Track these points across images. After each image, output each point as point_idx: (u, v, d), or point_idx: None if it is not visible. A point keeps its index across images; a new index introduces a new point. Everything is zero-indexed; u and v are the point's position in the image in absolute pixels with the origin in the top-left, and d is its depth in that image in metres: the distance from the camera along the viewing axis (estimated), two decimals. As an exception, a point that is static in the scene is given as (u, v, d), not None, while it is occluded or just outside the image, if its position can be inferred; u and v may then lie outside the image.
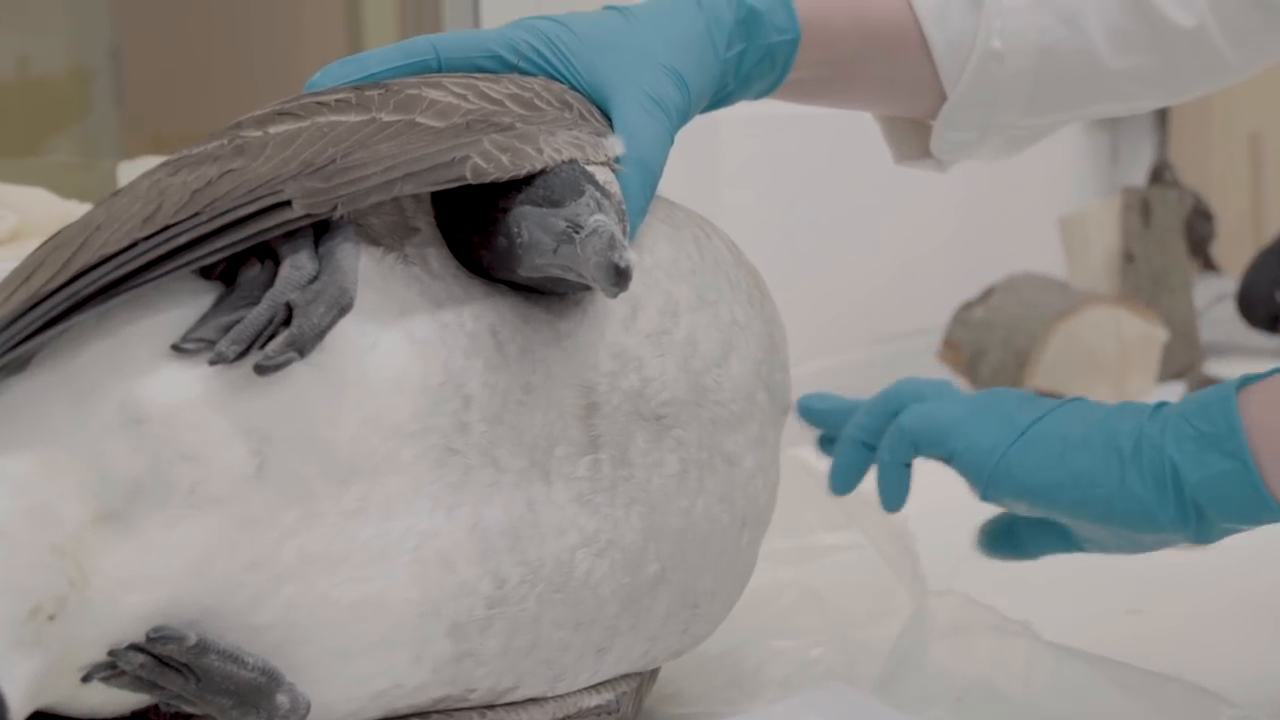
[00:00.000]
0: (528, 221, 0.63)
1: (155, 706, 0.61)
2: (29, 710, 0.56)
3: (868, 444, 0.78)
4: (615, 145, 0.70)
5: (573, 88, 0.72)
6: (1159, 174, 1.85)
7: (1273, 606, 0.94)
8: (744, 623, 0.89)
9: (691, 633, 0.76)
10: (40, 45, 2.54)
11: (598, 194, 0.64)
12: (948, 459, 0.75)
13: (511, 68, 0.72)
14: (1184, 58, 0.84)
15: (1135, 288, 1.72)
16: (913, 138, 0.88)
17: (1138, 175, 2.06)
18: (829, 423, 0.83)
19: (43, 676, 0.55)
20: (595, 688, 0.73)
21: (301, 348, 0.55)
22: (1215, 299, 1.81)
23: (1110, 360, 1.55)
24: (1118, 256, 1.74)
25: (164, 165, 0.61)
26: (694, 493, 0.72)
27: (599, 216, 0.62)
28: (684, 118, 0.74)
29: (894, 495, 0.79)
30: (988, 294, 1.61)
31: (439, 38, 0.72)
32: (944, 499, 0.78)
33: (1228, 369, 1.72)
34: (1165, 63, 0.84)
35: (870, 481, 0.82)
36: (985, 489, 0.73)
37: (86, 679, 0.57)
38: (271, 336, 0.56)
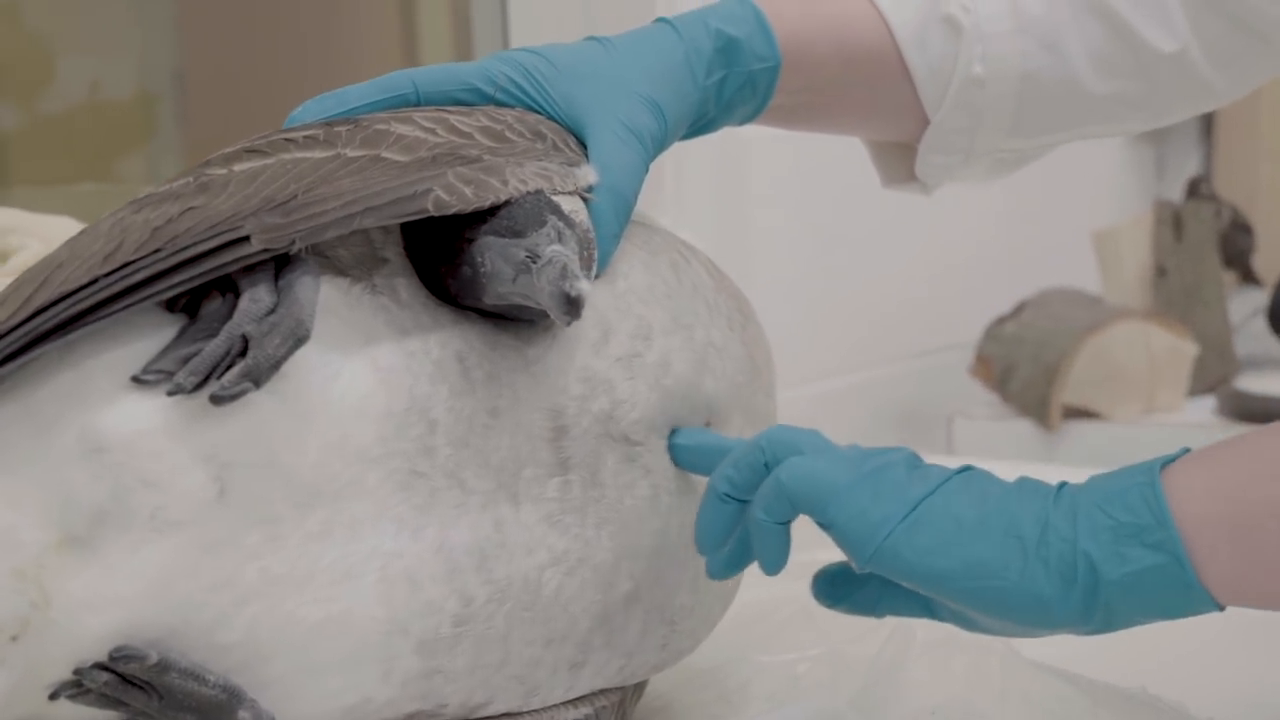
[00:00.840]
0: (490, 252, 0.65)
1: (126, 722, 0.63)
2: (0, 723, 0.58)
3: (736, 498, 0.70)
4: (588, 174, 0.72)
5: (550, 118, 0.74)
6: (1195, 188, 1.84)
7: (1255, 624, 0.95)
8: (734, 638, 0.91)
9: (671, 648, 0.78)
10: (110, 70, 2.60)
11: (560, 224, 0.65)
12: (826, 526, 0.67)
13: (489, 100, 0.74)
14: (1167, 82, 0.85)
15: (1168, 302, 1.72)
16: (899, 161, 0.89)
17: (1181, 188, 2.05)
18: (698, 463, 0.74)
19: (8, 694, 0.58)
20: (573, 702, 0.75)
21: (257, 378, 0.58)
22: (1252, 313, 1.81)
23: (1140, 375, 1.56)
24: (1151, 271, 1.74)
25: (130, 204, 0.63)
26: (667, 512, 0.73)
27: (555, 247, 0.63)
28: (660, 145, 0.76)
29: (773, 557, 0.70)
30: (1019, 309, 1.61)
31: (418, 71, 0.74)
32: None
33: (1264, 383, 1.72)
34: (1149, 87, 0.85)
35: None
36: (866, 564, 0.66)
37: (54, 697, 0.59)
38: (229, 367, 0.58)
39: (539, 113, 0.74)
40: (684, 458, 0.73)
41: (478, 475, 0.67)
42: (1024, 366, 1.52)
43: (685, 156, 1.49)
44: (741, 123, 0.83)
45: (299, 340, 0.59)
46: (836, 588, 0.72)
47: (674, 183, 1.50)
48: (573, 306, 0.62)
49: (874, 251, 1.66)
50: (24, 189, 1.97)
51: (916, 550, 0.64)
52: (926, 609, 0.70)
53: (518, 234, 0.65)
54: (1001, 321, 1.59)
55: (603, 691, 0.76)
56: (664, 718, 0.85)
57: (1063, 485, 0.65)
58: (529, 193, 0.66)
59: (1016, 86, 0.84)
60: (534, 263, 0.63)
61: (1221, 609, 0.62)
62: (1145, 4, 0.83)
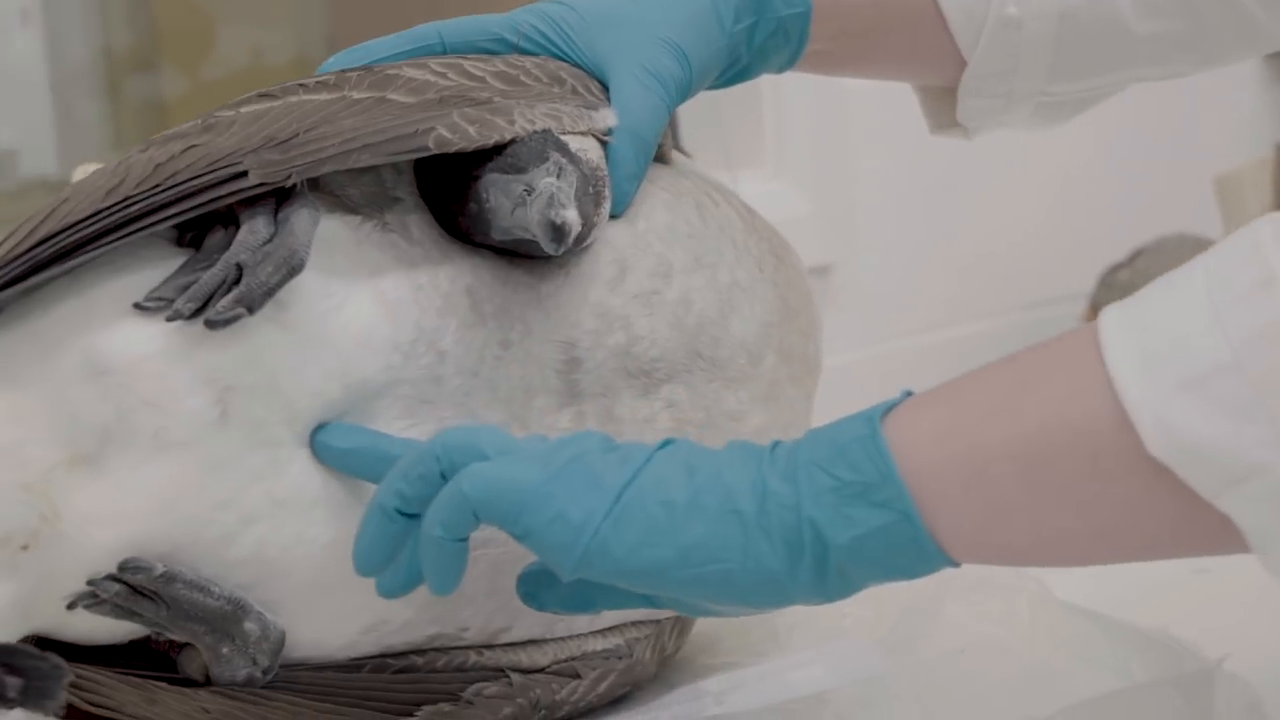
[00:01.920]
0: (494, 188, 0.67)
1: (149, 636, 0.67)
2: (21, 630, 0.62)
3: (405, 513, 0.61)
4: (607, 117, 0.74)
5: (575, 65, 0.76)
6: (1324, 130, 1.79)
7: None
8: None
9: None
10: (268, 37, 2.67)
11: (563, 160, 0.67)
12: (522, 536, 0.60)
13: (515, 49, 0.76)
14: (1214, 20, 0.83)
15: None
16: (947, 107, 0.89)
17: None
18: (355, 467, 0.66)
19: (26, 600, 0.61)
20: (602, 633, 0.77)
21: (249, 304, 0.60)
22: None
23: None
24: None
25: (138, 146, 0.67)
26: None
27: (549, 180, 0.65)
28: (684, 89, 0.77)
29: (446, 577, 0.62)
30: (1135, 256, 1.59)
31: (444, 23, 0.76)
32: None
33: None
34: (1195, 26, 0.84)
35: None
36: (573, 571, 0.59)
37: (71, 606, 0.63)
38: (227, 295, 0.61)
39: (565, 60, 0.76)
40: (336, 460, 0.66)
41: (488, 405, 0.69)
42: (1136, 317, 1.50)
43: (785, 107, 1.49)
44: (780, 70, 0.84)
45: (293, 269, 0.62)
46: (543, 589, 0.65)
47: (774, 134, 1.51)
48: (559, 233, 0.64)
49: (982, 199, 1.65)
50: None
51: (627, 546, 0.58)
52: (646, 599, 0.64)
53: (520, 170, 0.67)
54: (1116, 269, 1.57)
55: (634, 624, 0.78)
56: (710, 655, 0.87)
57: (776, 445, 0.60)
58: (535, 132, 0.68)
59: (1055, 27, 0.83)
60: (529, 195, 0.66)
61: (957, 565, 0.58)
62: None
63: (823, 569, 0.57)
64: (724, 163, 1.42)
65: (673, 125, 0.80)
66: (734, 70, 0.82)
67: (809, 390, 0.83)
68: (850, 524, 0.57)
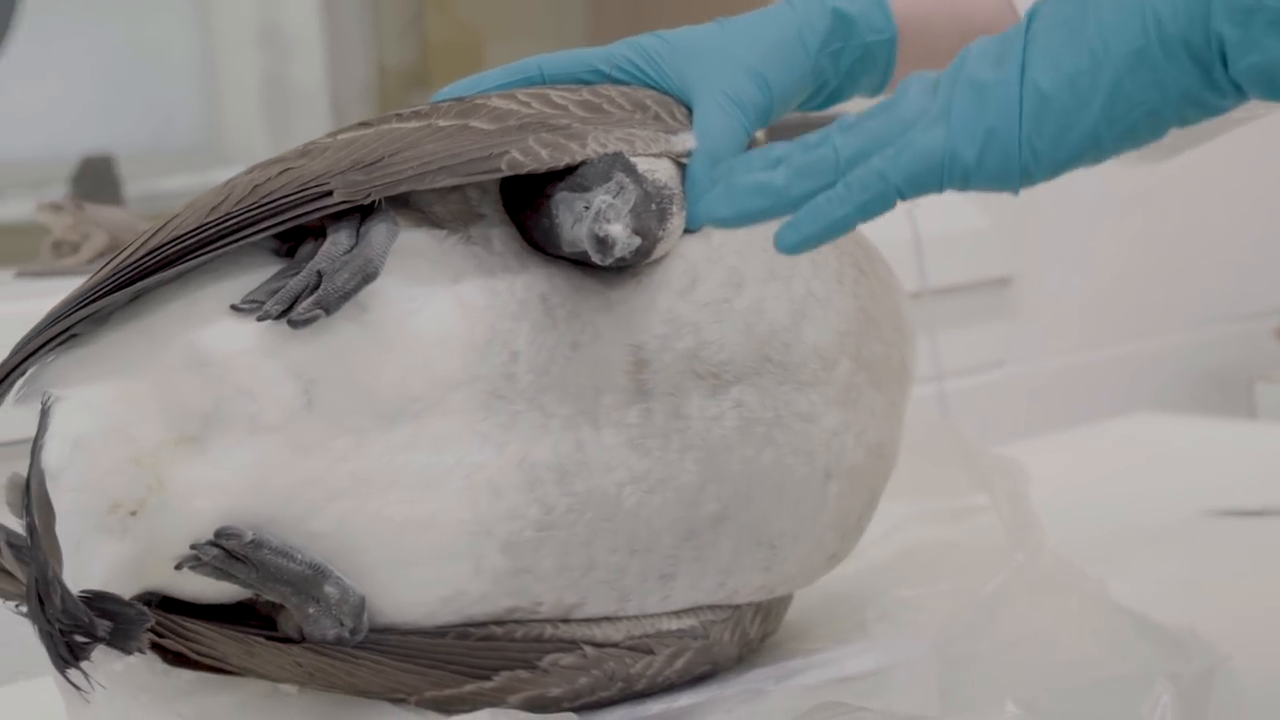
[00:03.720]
0: (562, 205, 0.75)
1: (252, 599, 0.76)
2: (133, 586, 0.72)
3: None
4: (686, 140, 0.80)
5: (664, 92, 0.83)
6: None
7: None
8: (882, 574, 0.98)
9: (777, 571, 0.85)
10: (534, 49, 2.80)
11: (625, 179, 0.74)
12: (962, 186, 0.65)
13: (608, 78, 0.83)
14: None
15: None
16: None
17: None
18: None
19: (138, 560, 0.71)
20: (676, 614, 0.83)
21: (326, 306, 0.69)
22: None
23: None
24: None
25: (246, 169, 0.76)
26: (760, 444, 0.81)
27: (604, 197, 0.73)
28: (765, 114, 0.83)
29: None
30: (1322, 275, 1.59)
31: (546, 57, 0.84)
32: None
33: None
34: None
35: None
36: (1022, 187, 0.65)
37: (178, 567, 0.72)
38: (308, 298, 0.70)
39: (655, 89, 0.83)
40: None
41: (558, 401, 0.76)
42: (1326, 331, 1.50)
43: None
44: (873, 93, 0.89)
45: (367, 276, 0.70)
46: None
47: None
48: (602, 245, 0.71)
49: (1170, 211, 1.66)
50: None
51: (1052, 140, 0.63)
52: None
53: (584, 189, 0.74)
54: (1307, 285, 1.57)
55: (709, 607, 0.84)
56: (800, 642, 0.93)
57: None
58: (605, 154, 0.75)
59: None
60: (586, 211, 0.73)
61: None
62: None
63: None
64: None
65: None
66: (825, 93, 0.87)
67: (893, 397, 0.88)
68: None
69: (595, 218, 0.71)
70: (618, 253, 0.72)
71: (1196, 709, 0.66)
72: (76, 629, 0.65)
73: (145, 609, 0.68)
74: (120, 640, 0.67)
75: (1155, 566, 0.94)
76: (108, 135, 2.38)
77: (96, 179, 1.58)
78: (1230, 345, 1.68)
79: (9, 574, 0.74)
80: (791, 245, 0.68)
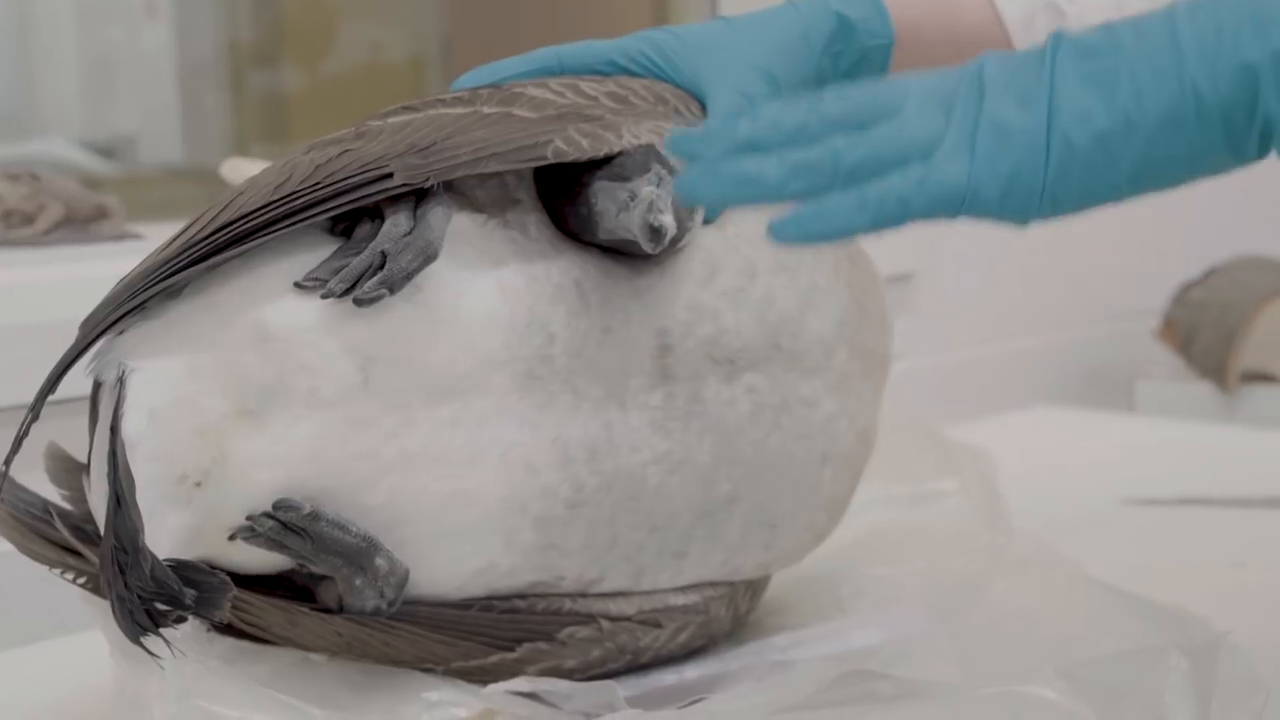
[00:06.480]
0: (601, 194, 0.78)
1: (292, 570, 0.78)
2: (189, 555, 0.73)
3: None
4: None
5: (677, 86, 0.86)
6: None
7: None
8: (853, 554, 1.02)
9: (775, 550, 0.89)
10: (385, 35, 2.79)
11: (662, 171, 0.78)
12: (976, 217, 0.66)
13: (623, 71, 0.86)
14: None
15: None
16: None
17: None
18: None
19: (197, 530, 0.72)
20: (683, 590, 0.87)
21: (391, 286, 0.71)
22: None
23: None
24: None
25: (302, 149, 0.78)
26: (768, 427, 0.85)
27: (650, 188, 0.76)
28: None
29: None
30: (1209, 274, 1.67)
31: (563, 47, 0.86)
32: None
33: None
34: None
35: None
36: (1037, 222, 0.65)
37: (232, 538, 0.74)
38: (372, 278, 0.72)
39: (667, 82, 0.86)
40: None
41: (590, 382, 0.79)
42: (1206, 332, 1.57)
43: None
44: (867, 96, 0.93)
45: (428, 257, 0.72)
46: None
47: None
48: (657, 235, 0.75)
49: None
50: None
51: (1076, 192, 0.64)
52: None
53: (624, 179, 0.77)
54: (1190, 287, 1.65)
55: (711, 584, 0.88)
56: (780, 618, 0.96)
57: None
58: (640, 145, 0.78)
59: None
60: (632, 201, 0.76)
61: None
62: None
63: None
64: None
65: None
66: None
67: (877, 385, 0.93)
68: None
69: (649, 208, 0.74)
70: (667, 243, 0.75)
71: (1208, 680, 0.71)
72: (160, 596, 0.67)
73: (228, 579, 0.70)
74: (205, 608, 0.69)
75: (1098, 552, 0.99)
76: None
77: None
78: (1113, 344, 1.75)
79: (48, 541, 0.75)
80: (790, 240, 0.67)
